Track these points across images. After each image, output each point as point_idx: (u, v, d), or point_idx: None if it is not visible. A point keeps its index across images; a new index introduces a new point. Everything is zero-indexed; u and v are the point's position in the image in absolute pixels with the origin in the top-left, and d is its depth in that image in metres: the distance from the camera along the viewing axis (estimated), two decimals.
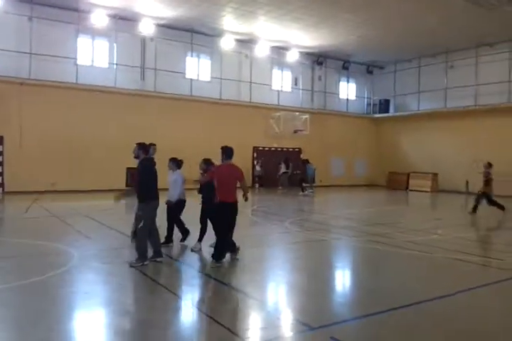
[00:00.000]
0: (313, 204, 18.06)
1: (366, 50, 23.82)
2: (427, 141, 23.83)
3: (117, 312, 4.83)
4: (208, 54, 21.79)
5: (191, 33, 20.72)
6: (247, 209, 13.12)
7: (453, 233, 10.40)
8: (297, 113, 23.64)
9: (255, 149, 22.92)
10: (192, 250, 7.66)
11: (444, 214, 15.32)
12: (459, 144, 22.40)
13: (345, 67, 26.33)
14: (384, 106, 27.04)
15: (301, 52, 23.98)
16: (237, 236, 7.32)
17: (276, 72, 24.27)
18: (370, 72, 27.57)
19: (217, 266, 6.68)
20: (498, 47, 21.32)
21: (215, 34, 20.95)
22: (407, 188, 23.82)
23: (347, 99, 26.83)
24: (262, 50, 22.54)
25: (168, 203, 7.99)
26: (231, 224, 6.98)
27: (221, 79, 21.65)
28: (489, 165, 13.49)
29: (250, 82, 22.69)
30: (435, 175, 22.88)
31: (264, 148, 23.11)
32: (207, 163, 7.79)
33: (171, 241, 8.08)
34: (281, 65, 24.18)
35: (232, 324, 4.50)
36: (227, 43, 21.40)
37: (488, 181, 13.20)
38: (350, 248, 8.95)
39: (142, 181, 6.71)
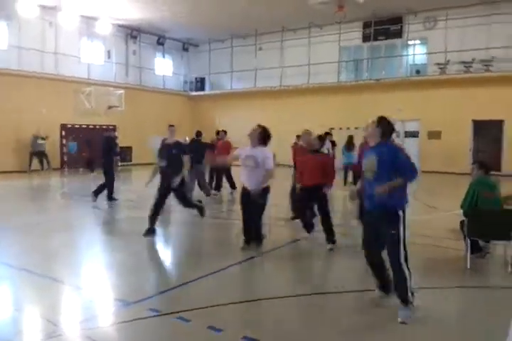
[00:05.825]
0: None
1: (181, 27, 23.77)
2: (239, 118, 25.16)
3: None
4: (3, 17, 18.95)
5: None
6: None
7: None
8: (111, 88, 22.48)
9: (63, 127, 21.16)
10: None
11: None
12: (267, 121, 24.19)
13: (160, 43, 25.91)
14: (200, 84, 27.59)
15: (113, 24, 22.67)
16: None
17: (86, 43, 22.53)
18: (185, 50, 27.69)
19: None
20: (299, 33, 23.50)
21: None
22: None
23: (163, 76, 26.55)
24: (69, 19, 20.53)
25: None
26: None
27: (19, 48, 19.18)
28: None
29: (55, 53, 20.63)
30: None
31: (73, 125, 21.44)
32: None
33: None
34: (92, 36, 22.51)
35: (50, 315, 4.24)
36: (26, 7, 18.85)
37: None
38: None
39: None
